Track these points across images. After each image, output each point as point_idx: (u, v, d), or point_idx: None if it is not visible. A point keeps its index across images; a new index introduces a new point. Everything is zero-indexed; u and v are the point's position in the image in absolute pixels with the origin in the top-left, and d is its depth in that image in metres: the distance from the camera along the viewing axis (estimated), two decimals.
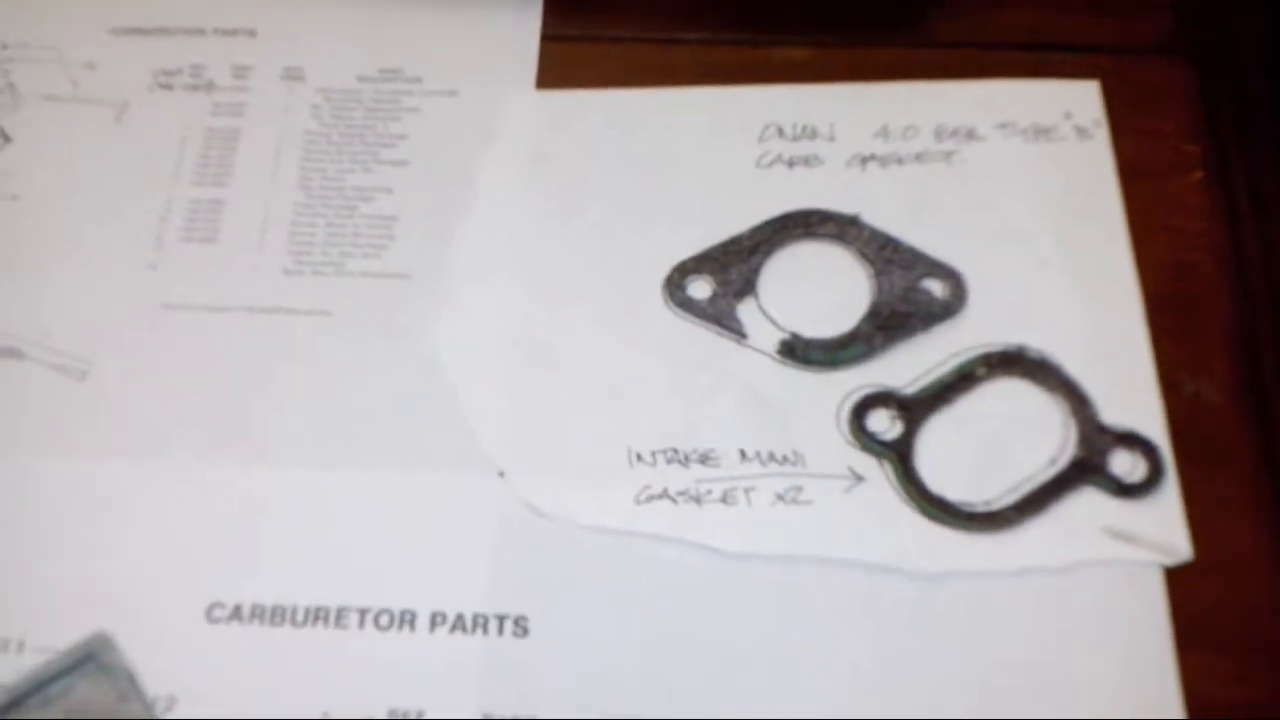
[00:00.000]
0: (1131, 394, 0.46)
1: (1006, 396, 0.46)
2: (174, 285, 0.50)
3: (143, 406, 0.47)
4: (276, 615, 0.44)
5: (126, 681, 0.32)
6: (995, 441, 0.45)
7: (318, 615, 0.43)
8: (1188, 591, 0.42)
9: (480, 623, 0.43)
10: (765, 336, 0.47)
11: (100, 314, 0.49)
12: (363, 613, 0.43)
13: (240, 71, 0.55)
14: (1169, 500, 0.44)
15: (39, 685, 0.31)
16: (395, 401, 0.47)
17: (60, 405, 0.48)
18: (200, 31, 0.56)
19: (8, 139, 0.54)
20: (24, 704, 0.31)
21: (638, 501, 0.45)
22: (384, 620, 0.43)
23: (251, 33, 0.56)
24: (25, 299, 0.50)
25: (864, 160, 0.51)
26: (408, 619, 0.43)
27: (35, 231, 0.51)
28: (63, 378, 0.48)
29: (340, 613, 0.43)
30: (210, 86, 0.54)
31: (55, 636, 0.41)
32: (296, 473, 0.46)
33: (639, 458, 0.46)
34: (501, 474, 0.45)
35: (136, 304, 0.50)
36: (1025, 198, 0.50)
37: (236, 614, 0.44)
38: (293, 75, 0.54)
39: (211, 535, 0.45)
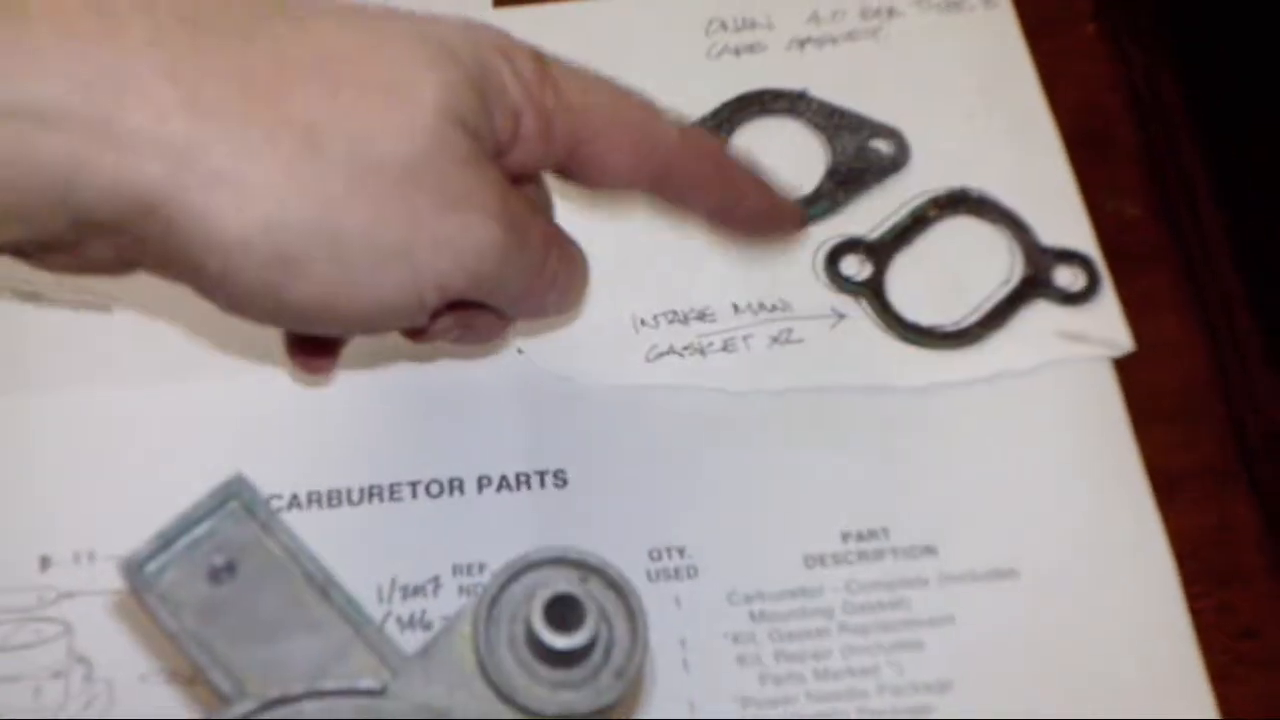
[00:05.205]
0: (1063, 218, 0.52)
1: (957, 232, 0.52)
2: None
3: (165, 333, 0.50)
4: (333, 498, 0.47)
5: (267, 514, 0.35)
6: (953, 271, 0.51)
7: (372, 493, 0.47)
8: (1135, 377, 0.49)
9: (523, 480, 0.47)
10: None
11: None
12: (414, 485, 0.47)
13: None
14: (1108, 303, 0.50)
15: (186, 528, 0.34)
16: None
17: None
18: None
19: None
20: (173, 546, 0.34)
21: (648, 359, 0.50)
22: (434, 489, 0.47)
23: None
24: None
25: (802, 43, 0.56)
26: (456, 485, 0.47)
27: None
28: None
29: (393, 488, 0.47)
30: None
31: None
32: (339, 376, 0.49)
33: (643, 322, 0.50)
34: (520, 350, 0.50)
35: None
36: (946, 62, 0.56)
37: (294, 502, 0.47)
38: None
39: (257, 437, 0.48)
